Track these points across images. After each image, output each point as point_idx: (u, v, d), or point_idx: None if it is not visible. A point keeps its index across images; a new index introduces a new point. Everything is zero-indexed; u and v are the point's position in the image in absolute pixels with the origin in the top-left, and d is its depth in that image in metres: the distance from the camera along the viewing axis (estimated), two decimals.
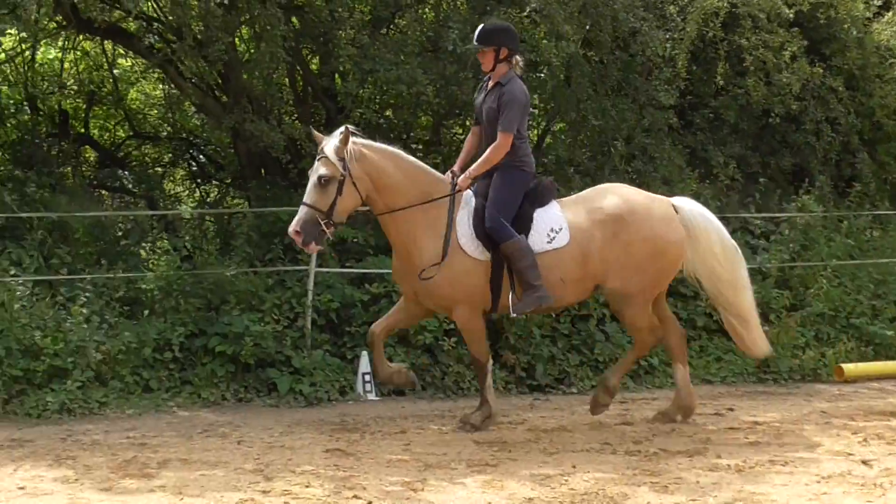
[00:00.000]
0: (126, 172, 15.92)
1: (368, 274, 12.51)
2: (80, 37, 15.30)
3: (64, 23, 13.51)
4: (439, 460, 8.69)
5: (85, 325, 11.02)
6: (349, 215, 9.53)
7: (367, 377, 11.63)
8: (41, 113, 15.46)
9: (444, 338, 12.03)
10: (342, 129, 9.20)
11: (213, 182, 16.93)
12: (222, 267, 12.05)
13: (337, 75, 14.16)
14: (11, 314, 10.77)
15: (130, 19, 13.59)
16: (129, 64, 16.63)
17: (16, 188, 12.59)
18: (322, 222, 9.07)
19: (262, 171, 14.22)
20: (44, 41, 15.11)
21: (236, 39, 13.64)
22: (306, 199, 9.14)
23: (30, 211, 12.14)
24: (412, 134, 15.75)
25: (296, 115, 14.43)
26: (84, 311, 11.14)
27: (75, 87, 16.17)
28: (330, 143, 9.17)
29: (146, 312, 11.68)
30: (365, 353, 11.65)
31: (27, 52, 15.18)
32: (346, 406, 11.29)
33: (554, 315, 12.33)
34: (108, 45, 15.69)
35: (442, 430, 9.98)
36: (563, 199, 9.93)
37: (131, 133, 16.60)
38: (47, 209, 12.39)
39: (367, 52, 12.68)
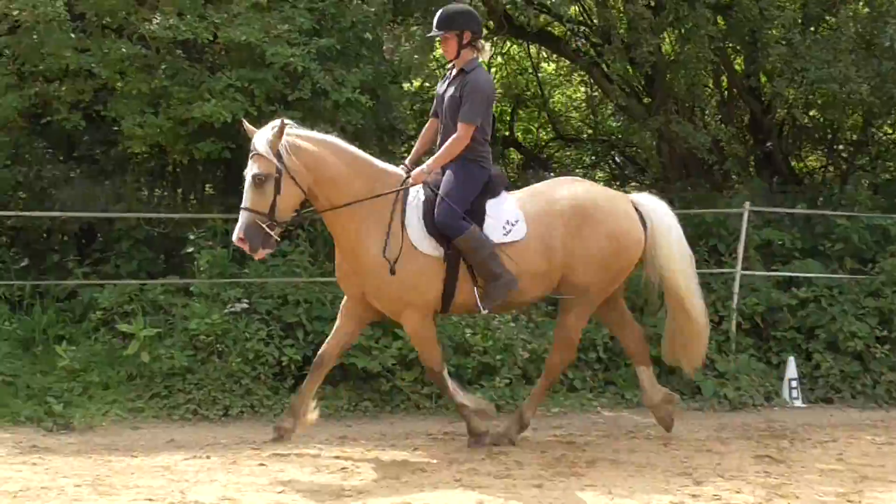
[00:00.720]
0: (550, 174, 16.16)
1: (796, 277, 12.17)
2: (507, 42, 15.72)
3: (496, 29, 13.89)
4: (876, 472, 8.32)
5: (512, 325, 11.30)
6: (294, 213, 8.61)
7: (794, 383, 11.31)
8: None
9: (876, 345, 11.54)
10: (277, 121, 8.35)
11: (634, 183, 16.95)
12: None
13: (763, 74, 13.85)
14: None
15: (558, 23, 13.85)
16: (553, 67, 16.92)
17: None
18: (265, 225, 8.24)
19: (685, 172, 14.09)
20: None
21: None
22: (244, 203, 8.29)
23: None
24: (838, 134, 15.19)
25: (719, 116, 14.21)
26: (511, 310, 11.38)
27: (501, 91, 16.60)
28: (261, 138, 8.33)
29: None
30: (792, 358, 11.37)
31: None
32: (771, 412, 11.01)
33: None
34: (534, 48, 16.02)
35: (875, 441, 9.58)
36: (516, 191, 9.15)
37: (554, 135, 16.87)
38: None
39: (797, 51, 12.33)
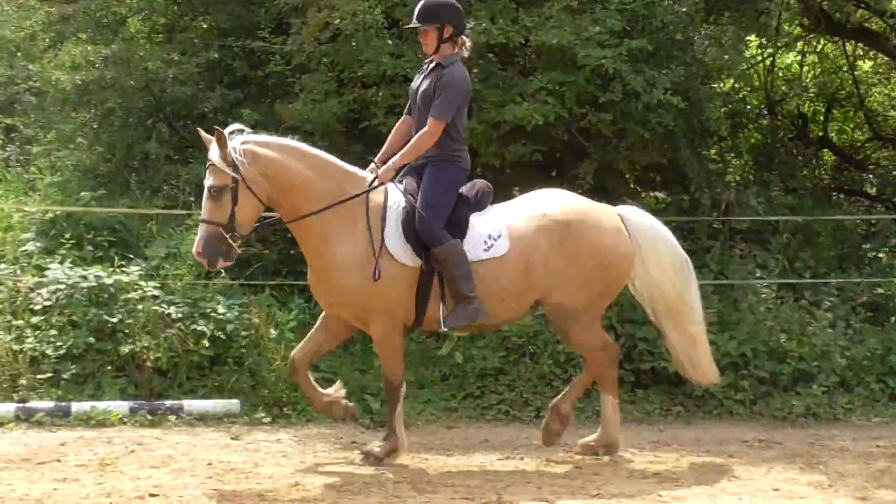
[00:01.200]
0: (869, 175, 15.51)
1: None
2: (820, 39, 15.19)
3: (811, 26, 13.46)
4: None
5: (829, 330, 10.86)
6: (255, 223, 8.18)
7: None
8: (780, 117, 15.49)
9: None
10: (219, 131, 7.89)
11: None
12: None
13: None
14: (757, 316, 10.84)
15: (877, 19, 13.28)
16: (870, 65, 16.25)
17: (761, 192, 12.65)
18: (227, 236, 7.85)
19: None
20: (782, 46, 15.18)
21: None
22: (202, 215, 7.96)
23: (774, 214, 12.17)
24: None
25: None
26: (828, 315, 11.00)
27: (814, 91, 16.05)
28: (214, 148, 7.89)
29: (892, 319, 11.34)
30: None
31: (767, 59, 15.30)
32: None
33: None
34: (850, 46, 15.42)
35: None
36: (501, 203, 8.61)
37: (871, 135, 16.17)
38: (792, 212, 12.38)
39: None
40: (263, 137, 8.17)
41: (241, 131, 8.05)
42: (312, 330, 8.68)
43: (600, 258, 8.35)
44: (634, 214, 8.77)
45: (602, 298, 8.58)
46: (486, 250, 8.15)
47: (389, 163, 8.26)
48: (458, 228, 8.12)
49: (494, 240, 8.18)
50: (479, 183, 8.50)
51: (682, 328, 8.74)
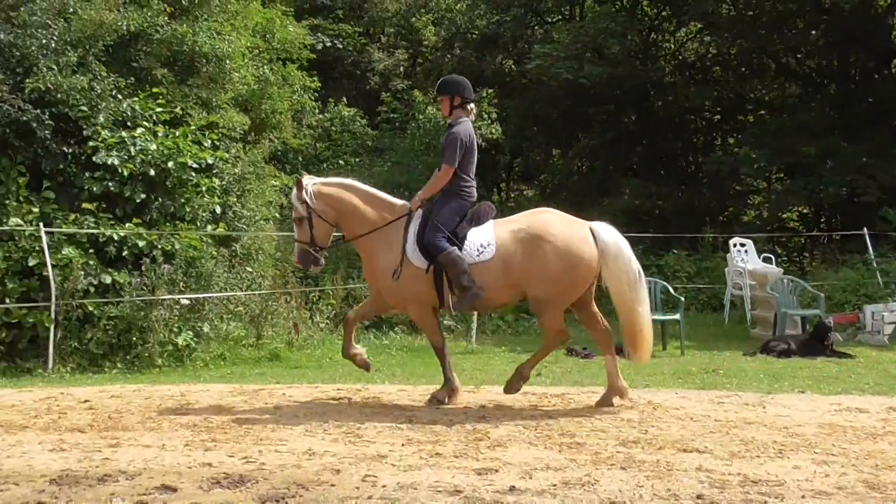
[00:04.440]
0: None
1: None
2: None
3: None
4: None
5: None
6: (332, 238, 10.83)
7: None
8: None
9: None
10: (297, 178, 10.64)
11: None
12: None
13: None
14: None
15: None
16: None
17: None
18: (312, 250, 10.60)
19: None
20: None
21: None
22: (295, 236, 10.72)
23: None
24: None
25: None
26: None
27: None
28: (293, 191, 10.65)
29: None
30: None
31: None
32: None
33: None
34: None
35: None
36: (499, 219, 10.51)
37: None
38: None
39: None
40: (330, 179, 11.03)
41: (314, 176, 10.93)
42: (367, 300, 11.43)
43: (564, 263, 10.17)
44: (603, 230, 10.43)
45: (569, 292, 10.37)
46: (477, 256, 10.29)
47: (416, 196, 10.69)
48: (459, 240, 10.31)
49: (484, 248, 10.32)
50: (484, 204, 10.67)
51: (628, 319, 10.40)
